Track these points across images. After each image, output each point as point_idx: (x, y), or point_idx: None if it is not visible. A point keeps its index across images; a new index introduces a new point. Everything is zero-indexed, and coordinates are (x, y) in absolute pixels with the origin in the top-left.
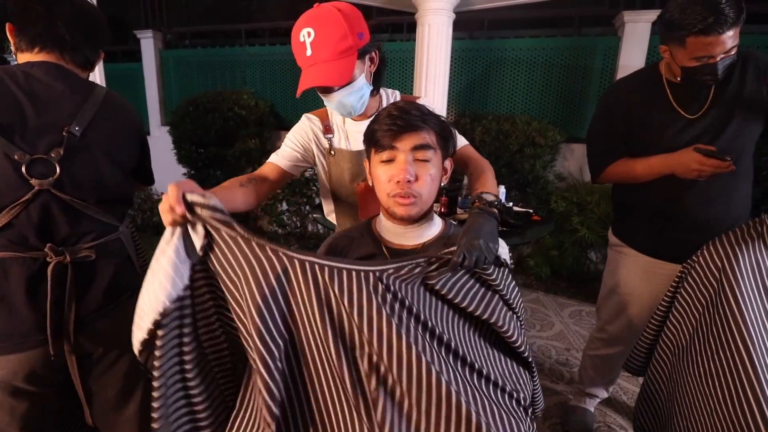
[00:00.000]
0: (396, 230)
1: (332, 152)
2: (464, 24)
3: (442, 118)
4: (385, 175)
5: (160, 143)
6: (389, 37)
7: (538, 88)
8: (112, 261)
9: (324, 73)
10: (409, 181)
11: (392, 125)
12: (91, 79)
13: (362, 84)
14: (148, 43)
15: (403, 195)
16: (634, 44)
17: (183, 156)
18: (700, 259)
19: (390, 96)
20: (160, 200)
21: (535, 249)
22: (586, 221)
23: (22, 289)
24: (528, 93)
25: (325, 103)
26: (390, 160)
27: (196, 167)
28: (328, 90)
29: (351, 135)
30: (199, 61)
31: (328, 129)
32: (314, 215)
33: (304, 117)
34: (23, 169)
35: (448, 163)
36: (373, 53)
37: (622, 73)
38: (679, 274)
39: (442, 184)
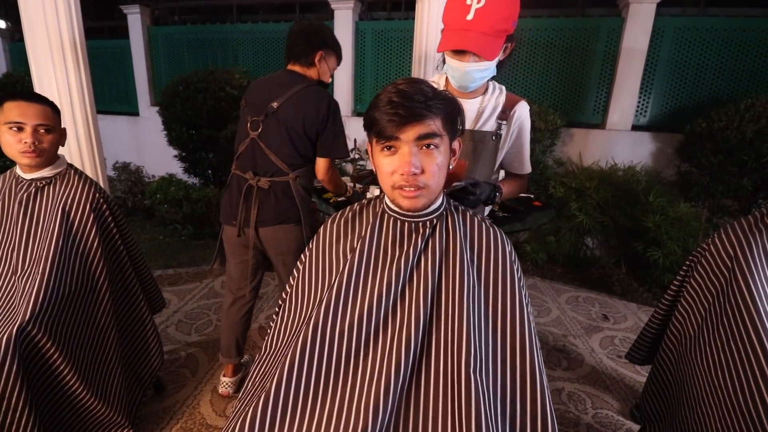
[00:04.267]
0: (401, 213)
1: None
2: None
3: (450, 98)
4: (388, 166)
5: (151, 124)
6: (387, 15)
7: (538, 70)
8: (279, 194)
9: (480, 42)
10: (414, 174)
11: (394, 115)
12: (70, 56)
13: (492, 65)
14: (135, 19)
15: (408, 187)
16: (638, 26)
17: (174, 138)
18: (711, 247)
19: (497, 89)
20: (152, 184)
21: (532, 235)
22: (585, 207)
23: (238, 194)
24: (528, 75)
25: (450, 68)
26: (393, 151)
27: (187, 149)
28: (463, 56)
29: None
30: (188, 38)
31: None
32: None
33: None
34: (248, 125)
35: (456, 144)
36: (510, 45)
37: (625, 56)
38: (687, 263)
39: (451, 167)
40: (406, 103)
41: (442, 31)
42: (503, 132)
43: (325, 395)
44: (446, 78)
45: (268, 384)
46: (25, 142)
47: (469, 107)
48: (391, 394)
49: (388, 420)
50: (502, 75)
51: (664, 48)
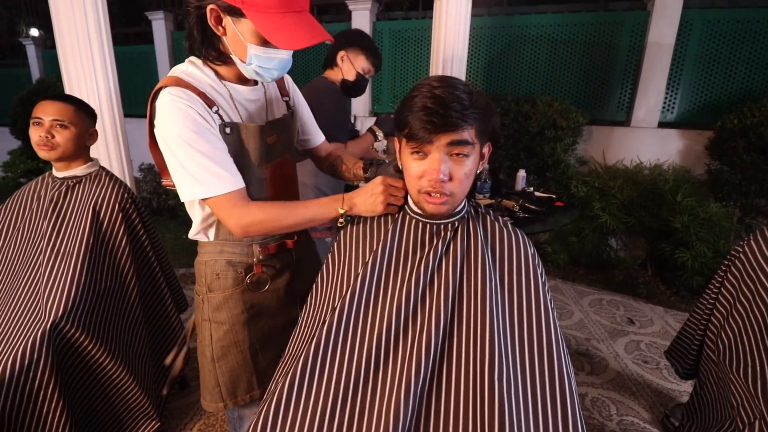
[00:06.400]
0: (422, 216)
1: (228, 129)
2: None
3: (486, 105)
4: (416, 170)
5: None
6: (404, 15)
7: (560, 67)
8: None
9: (317, 26)
10: (442, 181)
11: (428, 122)
12: (99, 62)
13: None
14: (159, 25)
15: (435, 193)
16: (665, 19)
17: None
18: (746, 248)
19: None
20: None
21: (554, 235)
22: (608, 207)
23: None
24: (549, 72)
25: (269, 60)
26: (422, 156)
27: None
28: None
29: (244, 105)
30: None
31: (208, 101)
32: None
33: (173, 97)
34: None
35: (486, 149)
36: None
37: (651, 50)
38: (723, 267)
39: (478, 171)
40: (441, 111)
41: (253, 15)
42: (293, 107)
43: (345, 398)
44: (213, 70)
45: (280, 385)
46: (40, 136)
47: (256, 96)
48: (411, 399)
49: (408, 425)
50: (523, 71)
51: (693, 41)
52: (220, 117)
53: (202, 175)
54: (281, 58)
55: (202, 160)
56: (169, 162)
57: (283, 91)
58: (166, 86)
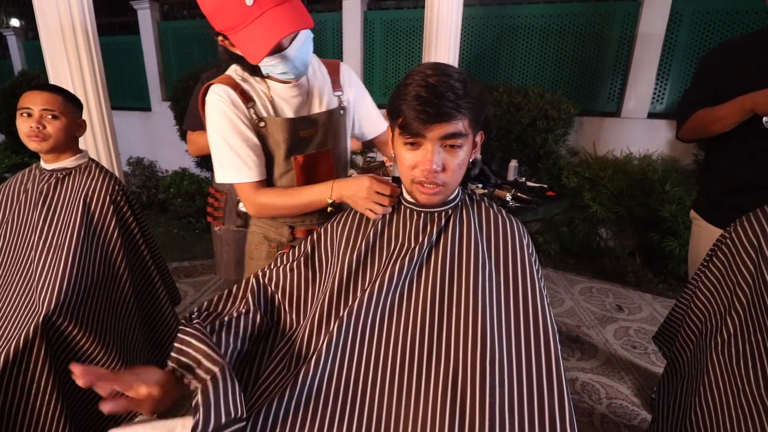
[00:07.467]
0: (416, 205)
1: (261, 123)
2: None
3: (479, 94)
4: (409, 160)
5: (162, 119)
6: (395, 4)
7: (551, 58)
8: None
9: (289, 16)
10: (435, 171)
11: (421, 112)
12: (84, 52)
13: (309, 31)
14: (145, 15)
15: (427, 184)
16: (655, 10)
17: (186, 132)
18: (733, 234)
19: (313, 61)
20: (165, 179)
21: (545, 225)
22: (598, 197)
23: None
24: (541, 63)
25: (275, 66)
26: (416, 146)
27: None
28: (279, 48)
29: (280, 101)
30: (198, 32)
31: (246, 97)
32: None
33: (215, 95)
34: None
35: (479, 138)
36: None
37: (641, 41)
38: (709, 252)
39: (471, 159)
40: (435, 101)
41: (233, 37)
42: (345, 103)
43: (319, 385)
44: (237, 82)
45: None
46: (30, 127)
47: (296, 92)
48: (396, 386)
49: (387, 410)
50: (514, 62)
51: (683, 32)
52: (255, 112)
53: (228, 165)
54: (280, 61)
55: (229, 152)
56: (211, 148)
57: (336, 85)
58: (215, 83)
